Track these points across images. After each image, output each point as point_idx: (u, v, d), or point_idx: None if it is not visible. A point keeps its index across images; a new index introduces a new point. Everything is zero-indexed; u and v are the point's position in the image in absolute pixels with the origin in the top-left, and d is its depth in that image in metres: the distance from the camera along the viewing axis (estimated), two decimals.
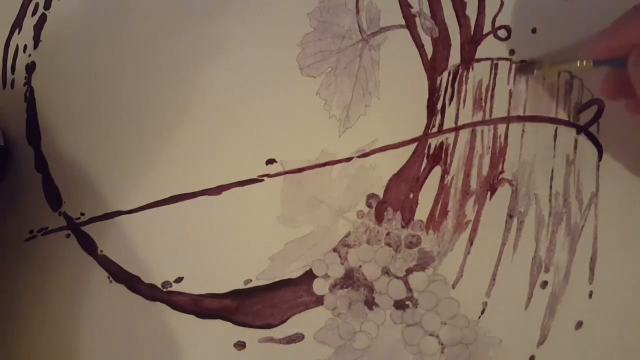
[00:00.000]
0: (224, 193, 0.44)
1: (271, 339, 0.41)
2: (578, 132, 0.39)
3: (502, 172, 0.39)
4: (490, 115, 0.40)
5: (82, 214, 0.46)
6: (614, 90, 0.36)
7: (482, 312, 0.38)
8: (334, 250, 0.41)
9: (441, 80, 0.41)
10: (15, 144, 0.49)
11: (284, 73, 0.44)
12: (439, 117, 0.41)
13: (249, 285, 0.42)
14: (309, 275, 0.41)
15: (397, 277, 0.40)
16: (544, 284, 0.38)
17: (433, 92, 0.41)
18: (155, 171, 0.45)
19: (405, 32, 0.42)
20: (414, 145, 0.41)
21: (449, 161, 0.40)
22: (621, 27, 0.33)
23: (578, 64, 0.36)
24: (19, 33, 0.52)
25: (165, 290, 0.43)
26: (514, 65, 0.40)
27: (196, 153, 0.45)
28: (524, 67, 0.39)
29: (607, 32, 0.34)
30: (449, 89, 0.41)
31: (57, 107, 0.49)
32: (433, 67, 0.41)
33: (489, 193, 0.39)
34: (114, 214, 0.46)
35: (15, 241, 0.48)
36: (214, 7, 0.46)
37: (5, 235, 0.48)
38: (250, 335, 0.42)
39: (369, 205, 0.41)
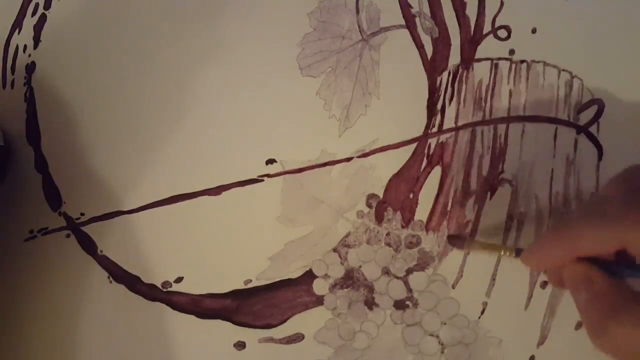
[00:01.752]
0: (224, 193, 0.44)
1: (271, 339, 0.41)
2: (578, 132, 0.39)
3: (502, 172, 0.39)
4: (490, 115, 0.40)
5: (82, 214, 0.46)
6: (561, 283, 0.34)
7: (482, 312, 0.38)
8: (334, 250, 0.41)
9: (441, 80, 0.41)
10: (15, 144, 0.49)
11: (284, 73, 0.44)
12: (439, 117, 0.41)
13: (249, 286, 0.42)
14: (309, 275, 0.41)
15: (397, 277, 0.40)
16: (544, 284, 0.38)
17: (433, 92, 0.41)
18: (155, 171, 0.45)
19: (405, 32, 0.42)
20: (414, 145, 0.41)
21: (449, 161, 0.40)
22: (554, 246, 0.32)
23: (502, 253, 0.36)
24: (19, 33, 0.52)
25: (165, 290, 0.43)
26: (514, 66, 0.40)
27: (196, 153, 0.45)
28: (455, 240, 0.39)
29: (543, 248, 0.33)
30: (449, 89, 0.41)
31: (57, 107, 0.49)
32: (433, 67, 0.41)
33: (489, 193, 0.39)
34: (114, 214, 0.46)
35: (15, 241, 0.47)
36: (213, 7, 0.46)
37: (5, 235, 0.48)
38: (250, 335, 0.42)
39: (369, 205, 0.41)
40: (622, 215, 0.28)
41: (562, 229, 0.31)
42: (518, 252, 0.35)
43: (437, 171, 0.40)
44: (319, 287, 0.41)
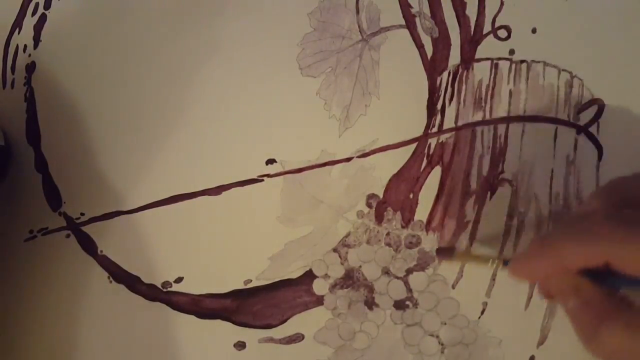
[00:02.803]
0: (224, 193, 0.44)
1: (271, 339, 0.41)
2: (578, 132, 0.39)
3: (502, 172, 0.39)
4: (490, 115, 0.40)
5: (82, 214, 0.46)
6: (551, 296, 0.34)
7: (482, 312, 0.38)
8: (334, 250, 0.41)
9: (441, 80, 0.41)
10: (15, 144, 0.49)
11: (284, 73, 0.44)
12: (439, 117, 0.41)
13: (249, 286, 0.42)
14: (309, 276, 0.41)
15: (397, 277, 0.40)
16: None
17: (433, 92, 0.41)
18: (155, 171, 0.45)
19: (405, 32, 0.42)
20: (414, 145, 0.41)
21: (448, 161, 0.40)
22: (540, 258, 0.32)
23: (490, 264, 0.36)
24: (19, 33, 0.52)
25: (165, 290, 0.43)
26: (514, 66, 0.40)
27: (196, 153, 0.45)
28: (444, 251, 0.39)
29: (529, 260, 0.33)
30: (449, 89, 0.41)
31: (57, 107, 0.49)
32: (433, 67, 0.41)
33: (489, 193, 0.39)
34: (114, 214, 0.46)
35: (15, 241, 0.48)
36: (213, 7, 0.46)
37: (5, 235, 0.48)
38: (250, 335, 0.42)
39: (369, 206, 0.41)
40: (604, 231, 0.29)
41: (548, 243, 0.31)
42: (507, 264, 0.34)
43: (437, 171, 0.40)
44: (319, 287, 0.41)
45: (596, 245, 0.29)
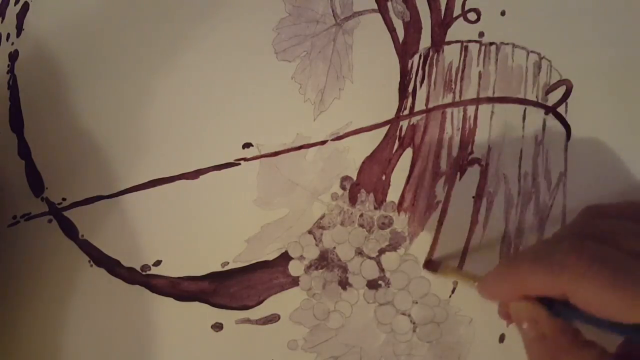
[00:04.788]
0: (201, 177, 0.44)
1: (248, 320, 0.42)
2: (546, 113, 0.39)
3: (471, 152, 0.40)
4: (460, 97, 0.40)
5: (64, 199, 0.47)
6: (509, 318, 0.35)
7: (453, 292, 0.39)
8: (309, 232, 0.42)
9: (412, 63, 0.42)
10: None
11: (259, 57, 0.44)
12: (410, 99, 0.41)
13: (226, 268, 0.43)
14: (285, 257, 0.42)
15: (370, 258, 0.40)
16: None
17: (404, 75, 0.42)
18: (134, 156, 0.46)
19: (378, 17, 0.43)
20: (386, 127, 0.41)
21: (419, 143, 0.41)
22: (504, 281, 0.32)
23: (474, 284, 0.35)
24: (2, 22, 0.52)
25: (144, 273, 0.44)
26: (483, 48, 0.40)
27: (173, 138, 0.45)
28: (431, 264, 0.39)
29: (494, 282, 0.33)
30: (420, 72, 0.41)
31: (39, 94, 0.50)
32: (404, 50, 0.42)
33: (458, 174, 0.40)
34: (94, 199, 0.46)
35: None
36: None
37: None
38: (227, 316, 0.42)
39: (343, 188, 0.41)
40: (565, 264, 0.28)
41: (514, 266, 0.31)
42: None
43: (408, 153, 0.41)
44: (295, 268, 0.41)
45: (556, 279, 0.28)
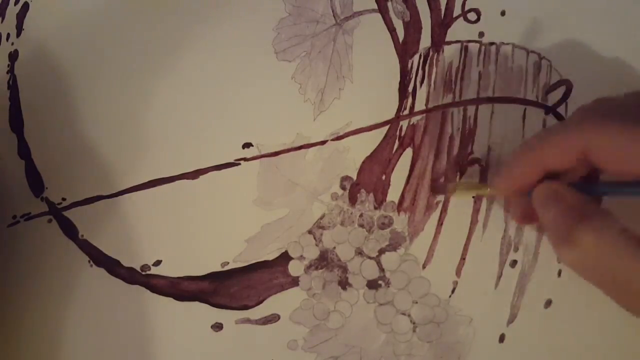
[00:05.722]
0: (201, 177, 0.44)
1: (248, 320, 0.42)
2: (546, 113, 0.39)
3: (471, 152, 0.40)
4: (460, 97, 0.40)
5: (64, 199, 0.47)
6: (524, 216, 0.35)
7: (453, 291, 0.39)
8: (309, 232, 0.42)
9: (412, 63, 0.42)
10: None
11: (259, 57, 0.44)
12: (410, 99, 0.41)
13: (226, 268, 0.43)
14: (285, 257, 0.42)
15: (370, 258, 0.40)
16: (514, 262, 0.38)
17: (404, 75, 0.42)
18: (134, 156, 0.46)
19: (378, 16, 0.43)
20: (386, 127, 0.41)
21: (419, 143, 0.41)
22: (522, 162, 0.32)
23: (489, 190, 0.36)
24: (2, 22, 0.52)
25: (144, 273, 0.44)
26: (483, 48, 0.40)
27: (173, 138, 0.45)
28: (438, 187, 0.39)
29: (512, 167, 0.33)
30: (420, 72, 0.41)
31: (40, 94, 0.50)
32: (404, 50, 0.42)
33: (458, 173, 0.40)
34: (94, 199, 0.46)
35: None
36: None
37: None
38: (227, 316, 0.42)
39: (343, 188, 0.41)
40: (581, 119, 0.29)
41: (527, 146, 0.32)
42: None
43: (408, 153, 0.41)
44: (295, 268, 0.41)
45: (573, 134, 0.29)
